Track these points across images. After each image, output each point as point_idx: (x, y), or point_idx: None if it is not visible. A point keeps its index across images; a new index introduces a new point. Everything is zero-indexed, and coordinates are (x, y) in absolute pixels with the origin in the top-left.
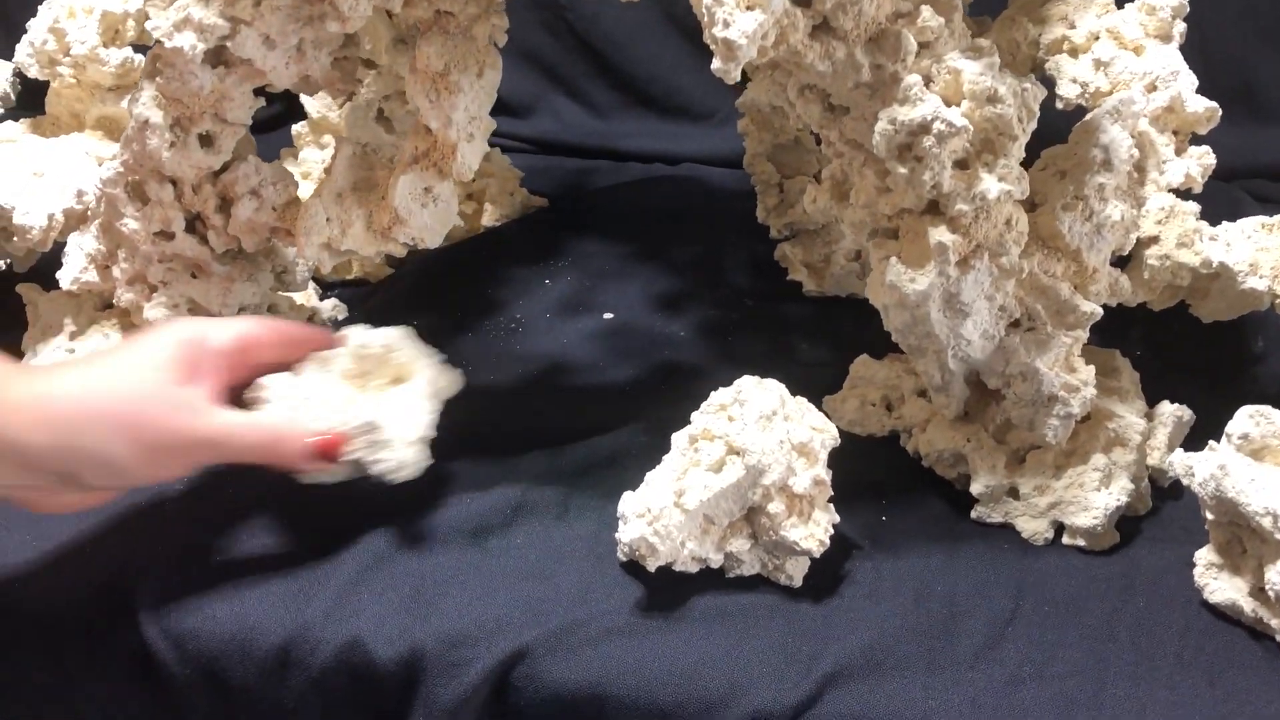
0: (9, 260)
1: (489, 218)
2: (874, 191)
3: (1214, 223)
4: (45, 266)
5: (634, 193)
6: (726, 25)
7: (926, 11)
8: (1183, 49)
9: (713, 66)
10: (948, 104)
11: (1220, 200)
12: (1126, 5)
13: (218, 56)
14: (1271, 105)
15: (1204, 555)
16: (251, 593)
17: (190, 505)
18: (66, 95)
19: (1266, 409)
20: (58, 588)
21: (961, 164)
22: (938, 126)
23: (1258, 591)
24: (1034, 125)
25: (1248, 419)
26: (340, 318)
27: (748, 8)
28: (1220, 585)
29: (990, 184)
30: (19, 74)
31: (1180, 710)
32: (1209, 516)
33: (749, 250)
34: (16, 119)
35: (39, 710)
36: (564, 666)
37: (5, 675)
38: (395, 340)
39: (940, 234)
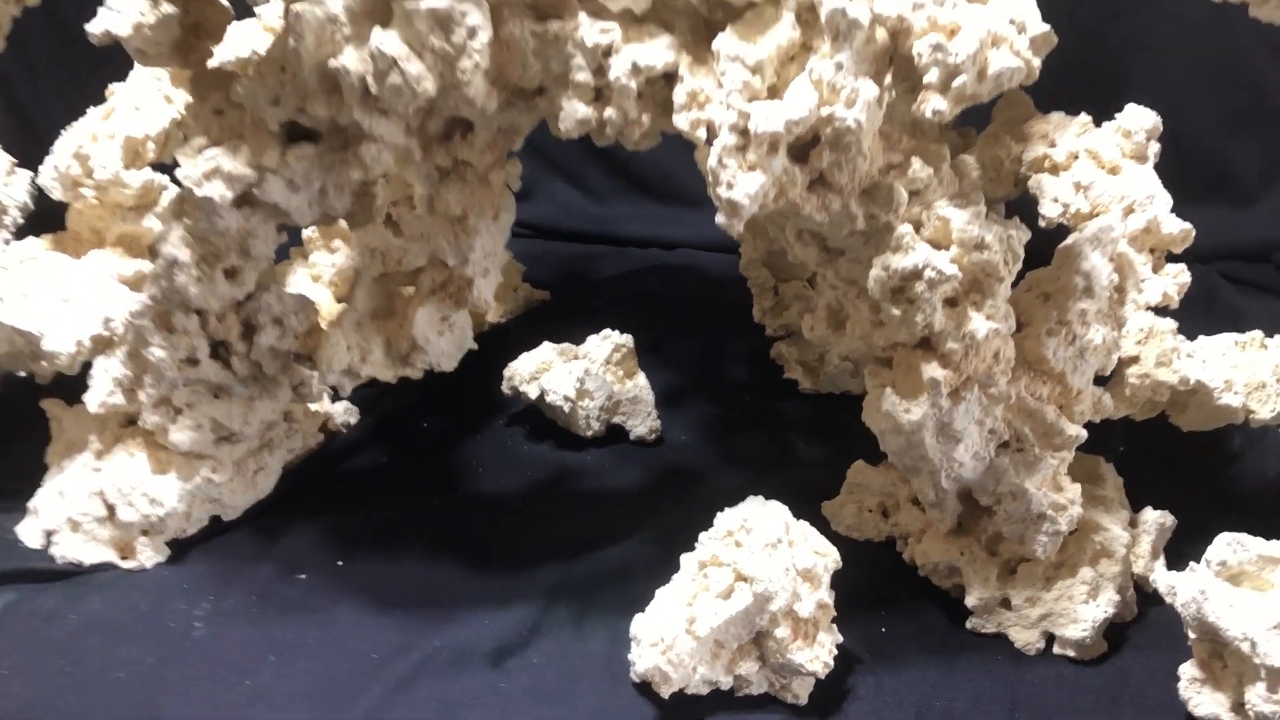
0: (30, 373)
1: (494, 314)
2: (869, 325)
3: (1191, 307)
4: (65, 379)
5: (633, 283)
6: (730, 187)
7: (916, 163)
8: (1161, 138)
9: (717, 220)
10: (937, 248)
11: (1196, 283)
12: (1104, 125)
13: (244, 199)
14: (1244, 189)
15: (1188, 670)
16: (288, 715)
17: (222, 632)
18: (88, 214)
19: (1243, 537)
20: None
21: (951, 302)
22: (929, 274)
23: (1238, 707)
24: (1019, 266)
25: (1225, 547)
26: (353, 421)
27: (750, 168)
28: (1203, 700)
29: (979, 323)
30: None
31: None
32: (1191, 635)
33: (746, 345)
34: (33, 229)
35: None
36: None
37: None
38: None
39: (933, 370)
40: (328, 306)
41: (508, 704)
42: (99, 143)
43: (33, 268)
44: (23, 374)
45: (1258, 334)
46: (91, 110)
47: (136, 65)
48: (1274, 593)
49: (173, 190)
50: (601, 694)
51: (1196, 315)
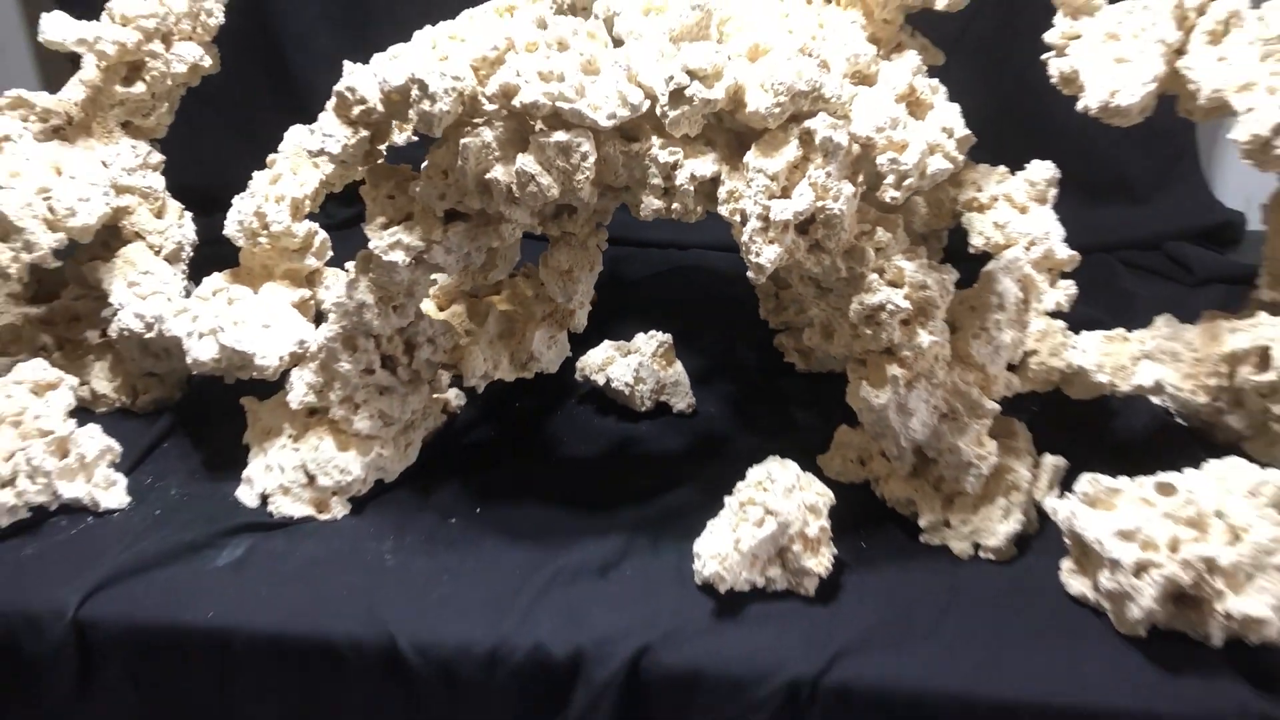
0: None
1: None
2: (850, 338)
3: (1095, 289)
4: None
5: (661, 283)
6: (758, 255)
7: (880, 231)
8: (1071, 151)
9: (748, 276)
10: (895, 288)
11: (1101, 269)
12: (1017, 174)
13: (415, 261)
14: (1139, 193)
15: (1065, 564)
16: (468, 614)
17: (407, 561)
18: (260, 255)
19: (1099, 476)
20: (336, 619)
21: (905, 323)
22: (889, 306)
23: (1094, 587)
24: (950, 298)
25: (1086, 482)
26: (462, 404)
27: (770, 242)
28: (1074, 583)
29: (924, 337)
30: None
31: (1046, 656)
32: (1067, 541)
33: (755, 336)
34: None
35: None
36: (673, 656)
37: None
38: None
39: (893, 369)
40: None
41: (614, 602)
42: (269, 202)
43: (223, 298)
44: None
45: (1120, 330)
46: (257, 175)
47: (288, 137)
48: (1116, 512)
49: (323, 235)
50: (677, 594)
51: (1100, 295)
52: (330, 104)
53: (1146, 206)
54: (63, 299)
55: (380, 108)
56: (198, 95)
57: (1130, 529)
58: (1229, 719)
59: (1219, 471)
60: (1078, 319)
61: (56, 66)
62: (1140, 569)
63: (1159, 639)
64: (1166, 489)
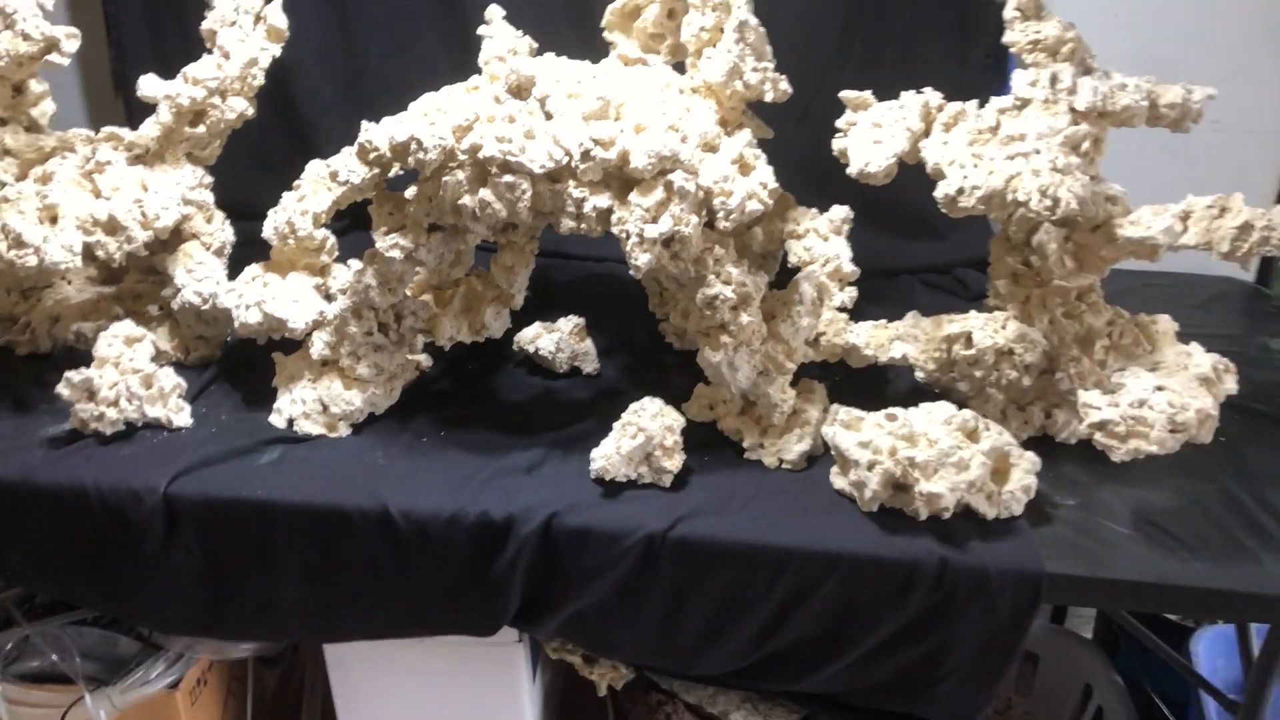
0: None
1: None
2: (698, 318)
3: (897, 303)
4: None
5: (580, 285)
6: (636, 260)
7: (717, 248)
8: (890, 199)
9: (630, 272)
10: (726, 285)
11: (902, 287)
12: (823, 214)
13: (407, 257)
14: (938, 230)
15: (834, 470)
16: (436, 493)
17: (394, 463)
18: (287, 252)
19: (851, 409)
20: (346, 496)
21: (734, 309)
22: (721, 296)
23: (847, 482)
24: (762, 294)
25: (843, 413)
26: (430, 364)
27: (644, 251)
28: (838, 480)
29: (745, 319)
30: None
31: (814, 522)
32: (833, 454)
33: (645, 323)
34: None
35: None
36: (573, 519)
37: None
38: None
39: (725, 339)
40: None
41: (535, 487)
42: (297, 214)
43: (260, 282)
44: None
45: (883, 321)
46: (286, 195)
47: (309, 168)
48: (860, 432)
49: (333, 239)
50: (578, 483)
51: (901, 306)
52: (353, 149)
53: (943, 240)
54: (126, 282)
55: (388, 154)
56: (232, 133)
57: (866, 440)
58: (921, 558)
59: (928, 409)
60: (882, 315)
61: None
62: (870, 465)
63: (885, 513)
64: (891, 417)
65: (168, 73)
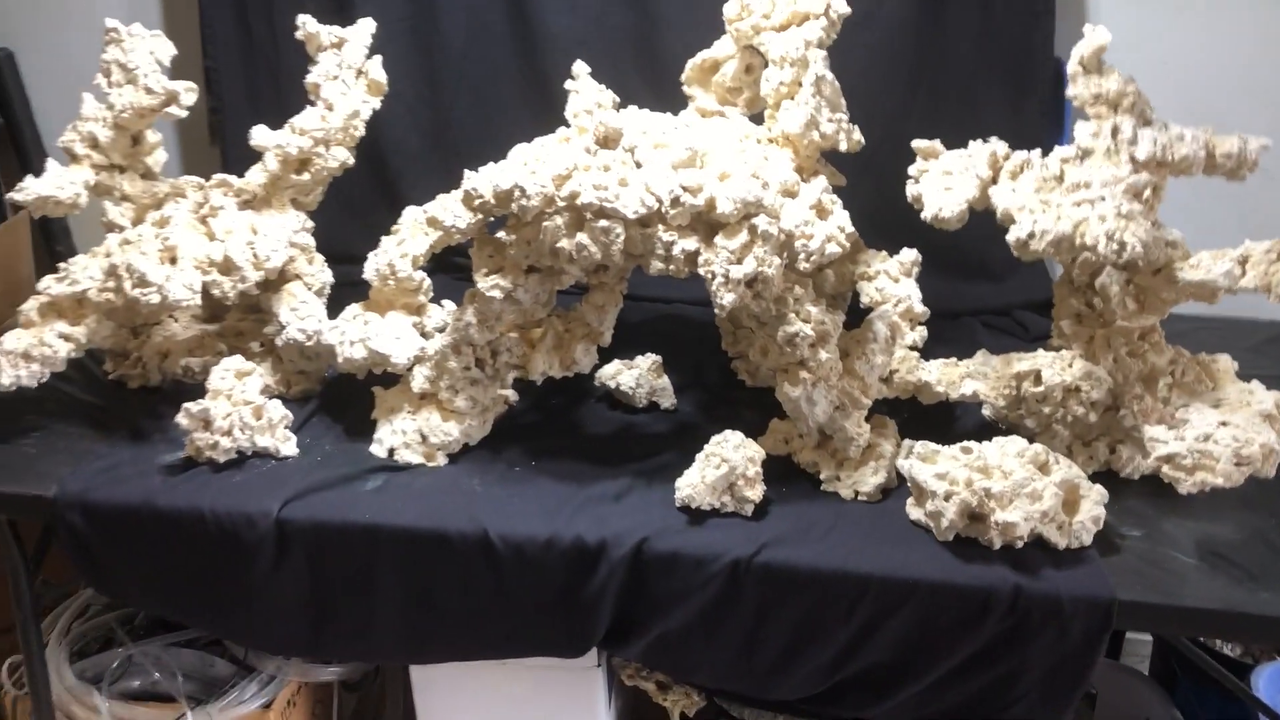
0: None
1: None
2: (778, 354)
3: (961, 342)
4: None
5: (655, 325)
6: (722, 299)
7: (796, 288)
8: (949, 243)
9: (715, 313)
10: (805, 323)
11: (965, 328)
12: (893, 257)
13: (505, 297)
14: (997, 273)
15: (910, 501)
16: (532, 519)
17: (490, 489)
18: (385, 292)
19: (927, 442)
20: (447, 520)
21: (812, 346)
22: (801, 334)
23: (924, 513)
24: (840, 331)
25: (919, 446)
26: (517, 399)
27: (729, 291)
28: (914, 511)
29: (823, 355)
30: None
31: (891, 550)
32: (909, 485)
33: (718, 361)
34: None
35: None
36: (661, 545)
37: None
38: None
39: (804, 374)
40: None
41: (624, 514)
42: (397, 257)
43: (361, 320)
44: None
45: (954, 359)
46: (386, 240)
47: (405, 214)
48: (936, 464)
49: (429, 280)
50: (664, 511)
51: (965, 346)
52: (452, 196)
53: (1002, 284)
54: (229, 319)
55: (492, 200)
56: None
57: (943, 472)
58: (995, 585)
59: (1001, 443)
60: (945, 355)
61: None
62: (947, 496)
63: (960, 543)
64: (967, 450)
65: (263, 123)
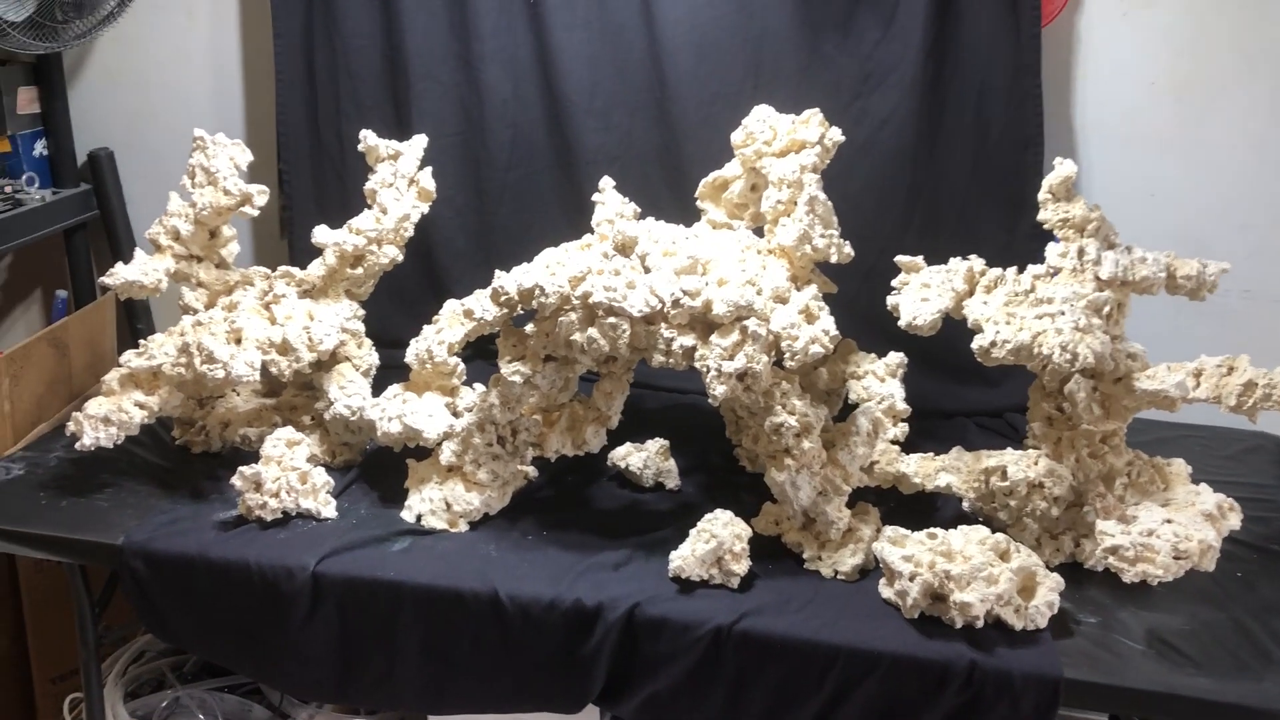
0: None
1: None
2: (766, 442)
3: (952, 438)
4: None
5: (666, 412)
6: (715, 390)
7: (784, 383)
8: (944, 349)
9: (710, 403)
10: (791, 415)
11: (956, 427)
12: (880, 360)
13: (525, 382)
14: (990, 379)
15: (882, 581)
16: (538, 582)
17: (505, 554)
18: (424, 375)
19: (898, 528)
20: (463, 580)
21: (797, 435)
22: (786, 424)
23: (893, 592)
24: (823, 425)
25: (890, 530)
26: (535, 474)
27: (722, 383)
28: (885, 590)
29: (807, 444)
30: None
31: (862, 625)
32: (883, 565)
33: (720, 447)
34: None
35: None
36: (651, 610)
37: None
38: None
39: (789, 461)
40: None
41: (621, 581)
42: (435, 344)
43: (400, 399)
44: (369, 446)
45: (930, 454)
46: (427, 328)
47: (446, 306)
48: (904, 547)
49: (462, 365)
50: (657, 580)
51: (955, 444)
52: (485, 291)
53: (996, 388)
54: (285, 395)
55: (516, 297)
56: None
57: (909, 555)
58: (952, 660)
59: (965, 530)
60: (939, 451)
61: (263, 232)
62: (912, 576)
63: (925, 620)
64: (933, 535)
65: (327, 221)
